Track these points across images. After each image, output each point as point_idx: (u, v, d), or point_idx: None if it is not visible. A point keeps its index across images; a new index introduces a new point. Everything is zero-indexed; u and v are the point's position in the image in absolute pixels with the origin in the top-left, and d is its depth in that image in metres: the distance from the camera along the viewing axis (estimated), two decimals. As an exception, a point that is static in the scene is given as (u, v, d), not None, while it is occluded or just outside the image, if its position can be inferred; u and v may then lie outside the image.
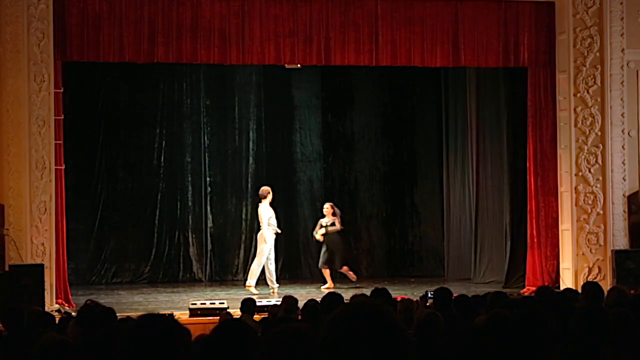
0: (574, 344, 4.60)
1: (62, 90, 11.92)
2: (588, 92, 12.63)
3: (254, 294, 12.33)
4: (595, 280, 11.10)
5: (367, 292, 8.74)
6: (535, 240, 13.13)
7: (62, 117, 11.94)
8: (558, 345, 4.82)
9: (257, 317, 8.82)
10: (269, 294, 13.00)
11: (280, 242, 16.22)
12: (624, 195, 12.59)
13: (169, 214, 15.98)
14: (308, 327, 2.72)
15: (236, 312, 9.79)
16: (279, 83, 16.23)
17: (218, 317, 9.16)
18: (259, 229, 13.74)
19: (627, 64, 12.67)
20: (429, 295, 8.17)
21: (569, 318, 5.24)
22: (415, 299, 8.61)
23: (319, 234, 14.31)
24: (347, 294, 8.90)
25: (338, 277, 16.04)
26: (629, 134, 12.67)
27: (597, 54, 12.64)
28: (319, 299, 7.36)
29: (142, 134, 15.98)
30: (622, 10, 12.63)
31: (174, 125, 16.08)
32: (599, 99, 12.62)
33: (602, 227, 12.55)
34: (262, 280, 13.52)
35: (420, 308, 7.36)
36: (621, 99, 12.61)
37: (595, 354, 4.39)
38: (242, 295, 13.14)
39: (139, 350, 2.53)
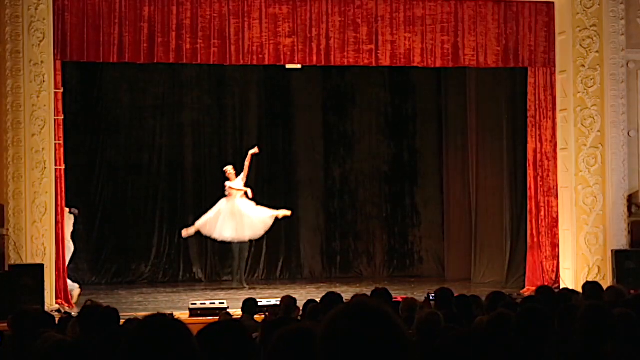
0: (575, 343, 4.60)
1: (62, 90, 11.92)
2: (588, 92, 12.63)
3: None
4: (595, 280, 11.09)
5: (368, 292, 8.74)
6: (535, 240, 13.13)
7: (62, 117, 11.94)
8: (559, 345, 4.82)
9: (257, 317, 8.81)
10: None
11: (280, 242, 16.25)
12: (624, 195, 12.59)
13: (169, 214, 15.98)
14: (313, 327, 2.71)
15: (236, 312, 9.78)
16: (279, 83, 16.23)
17: (218, 317, 9.15)
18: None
19: (627, 64, 12.67)
20: (431, 297, 8.16)
21: (569, 317, 5.24)
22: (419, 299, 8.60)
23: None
24: (347, 295, 8.90)
25: (338, 277, 16.05)
26: (629, 134, 12.67)
27: (597, 54, 12.63)
28: (318, 299, 7.36)
29: (142, 134, 15.98)
30: (622, 11, 12.62)
31: (174, 125, 16.08)
32: (599, 99, 12.61)
33: (602, 227, 12.55)
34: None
35: (424, 308, 7.35)
36: (621, 99, 12.61)
37: (596, 354, 4.39)
38: (242, 295, 13.17)
39: (144, 351, 2.53)
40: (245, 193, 13.83)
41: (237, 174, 13.92)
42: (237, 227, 13.76)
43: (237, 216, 13.74)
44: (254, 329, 6.82)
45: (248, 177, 14.03)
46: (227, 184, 13.96)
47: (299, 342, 2.61)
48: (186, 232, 14.18)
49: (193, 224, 14.24)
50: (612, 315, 4.56)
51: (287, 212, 14.09)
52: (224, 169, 14.16)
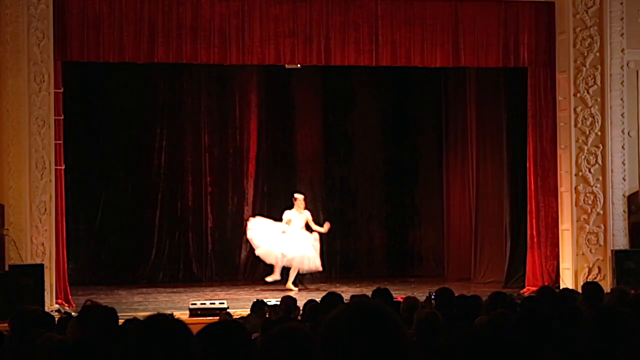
0: (578, 344, 4.60)
1: (62, 90, 11.92)
2: (588, 92, 12.64)
3: None
4: (595, 280, 11.10)
5: (368, 292, 8.74)
6: (535, 240, 13.13)
7: (62, 117, 11.94)
8: (561, 346, 4.81)
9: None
10: None
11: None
12: (624, 195, 12.59)
13: (169, 214, 15.98)
14: (306, 326, 2.72)
15: (236, 312, 9.79)
16: (279, 83, 16.22)
17: (218, 317, 9.15)
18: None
19: (627, 64, 12.67)
20: (432, 297, 8.17)
21: (571, 318, 5.23)
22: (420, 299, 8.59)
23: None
24: (347, 295, 8.90)
25: (338, 277, 16.05)
26: (629, 134, 12.67)
27: (597, 54, 12.64)
28: (318, 299, 7.36)
29: (142, 134, 15.97)
30: (622, 10, 12.63)
31: (174, 125, 16.08)
32: (599, 99, 12.62)
33: (602, 227, 12.55)
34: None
35: (426, 308, 7.35)
36: (621, 99, 12.62)
37: (599, 355, 4.38)
38: (242, 295, 13.19)
39: (144, 351, 2.53)
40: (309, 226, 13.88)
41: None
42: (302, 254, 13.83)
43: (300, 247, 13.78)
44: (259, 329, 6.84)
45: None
46: (286, 217, 13.85)
47: (289, 341, 2.61)
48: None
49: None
50: (622, 320, 4.54)
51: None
52: (295, 195, 14.10)
